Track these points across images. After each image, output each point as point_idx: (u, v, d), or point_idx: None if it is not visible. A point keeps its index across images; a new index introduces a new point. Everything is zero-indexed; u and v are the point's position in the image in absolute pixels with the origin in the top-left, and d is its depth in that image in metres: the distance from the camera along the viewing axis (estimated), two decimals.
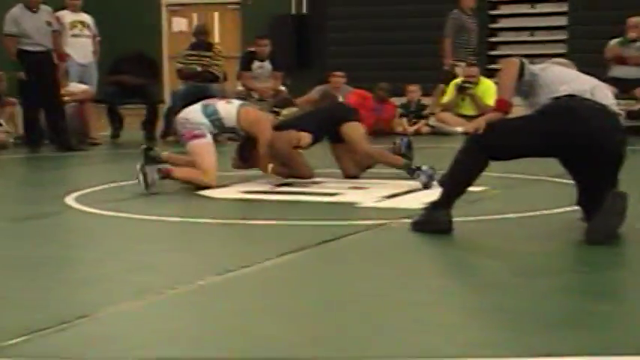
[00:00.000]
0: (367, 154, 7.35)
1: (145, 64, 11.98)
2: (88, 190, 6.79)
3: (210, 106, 7.20)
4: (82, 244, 5.13)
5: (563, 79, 4.90)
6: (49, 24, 10.30)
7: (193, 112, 7.15)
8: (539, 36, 16.43)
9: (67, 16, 11.69)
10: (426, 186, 6.74)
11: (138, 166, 6.77)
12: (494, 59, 14.89)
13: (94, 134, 11.13)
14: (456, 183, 4.92)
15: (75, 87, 11.17)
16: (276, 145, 7.10)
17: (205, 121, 7.06)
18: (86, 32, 11.89)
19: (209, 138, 7.04)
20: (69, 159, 9.65)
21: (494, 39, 16.62)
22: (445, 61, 12.07)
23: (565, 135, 4.74)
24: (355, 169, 7.44)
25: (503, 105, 4.87)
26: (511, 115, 4.94)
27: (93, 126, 11.19)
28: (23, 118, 10.49)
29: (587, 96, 4.80)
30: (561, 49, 16.08)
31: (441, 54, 12.49)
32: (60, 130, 10.28)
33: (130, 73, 11.79)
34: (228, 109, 7.18)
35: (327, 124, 7.37)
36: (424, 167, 6.88)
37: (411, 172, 6.96)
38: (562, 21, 16.33)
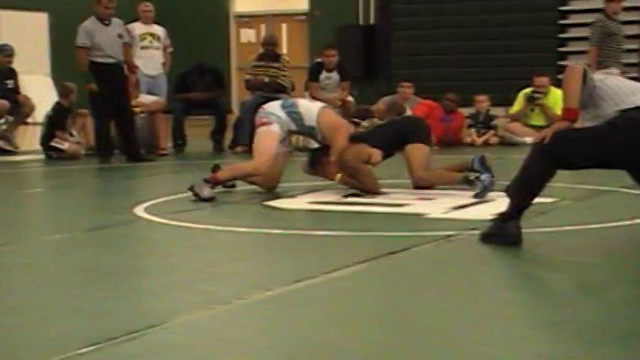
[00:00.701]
0: (419, 179, 7.20)
1: (208, 75, 12.06)
2: (157, 201, 6.86)
3: (289, 99, 7.37)
4: (151, 253, 5.19)
5: (628, 90, 4.82)
6: (120, 36, 10.45)
7: (272, 104, 7.33)
8: None
9: (138, 28, 11.85)
10: (478, 195, 6.66)
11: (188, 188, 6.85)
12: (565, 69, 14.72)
13: (163, 145, 11.25)
14: (523, 193, 4.87)
15: (145, 98, 11.31)
16: (346, 157, 7.09)
17: (281, 113, 7.13)
18: (155, 44, 12.03)
19: (275, 127, 7.06)
20: (138, 169, 9.77)
21: (564, 49, 16.46)
22: (591, 69, 11.62)
23: (633, 147, 4.66)
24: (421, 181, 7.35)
25: (570, 114, 4.81)
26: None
27: (163, 137, 11.31)
28: (94, 129, 10.65)
29: None
30: (633, 58, 15.85)
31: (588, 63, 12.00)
32: (130, 140, 10.43)
33: (195, 87, 11.89)
34: (308, 106, 7.27)
35: (397, 141, 7.32)
36: (483, 176, 6.78)
37: (470, 184, 6.89)
38: (634, 30, 16.09)
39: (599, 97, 4.81)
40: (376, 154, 7.17)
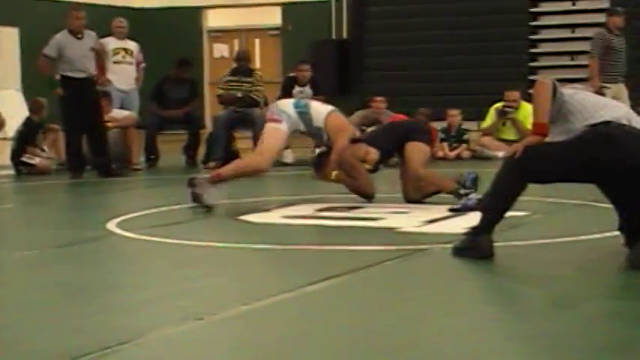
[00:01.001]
0: (417, 174, 7.24)
1: (184, 84, 12.04)
2: (130, 216, 6.83)
3: (303, 100, 7.63)
4: (123, 269, 5.16)
5: (597, 105, 4.86)
6: (92, 50, 10.41)
7: (285, 101, 7.55)
8: (580, 60, 16.34)
9: (111, 43, 11.82)
10: (454, 210, 6.69)
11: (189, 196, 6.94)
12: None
13: (135, 160, 11.21)
14: (495, 207, 4.89)
15: (118, 113, 11.27)
16: (344, 155, 7.18)
17: (292, 111, 7.27)
18: (128, 59, 12.01)
19: (284, 126, 7.18)
20: (110, 185, 9.73)
21: (534, 64, 16.59)
22: (592, 82, 11.57)
23: (605, 162, 4.70)
24: (416, 193, 7.35)
25: (540, 128, 4.83)
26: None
27: (135, 152, 11.27)
28: (65, 144, 10.59)
29: (624, 122, 4.76)
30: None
31: (589, 75, 11.98)
32: (101, 155, 10.38)
33: (170, 96, 11.86)
34: (319, 108, 7.44)
35: (398, 142, 7.39)
36: (472, 196, 6.81)
37: (459, 198, 6.91)
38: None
39: (568, 111, 4.84)
40: (372, 152, 7.25)
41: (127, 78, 11.90)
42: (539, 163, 4.77)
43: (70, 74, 10.15)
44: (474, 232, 4.91)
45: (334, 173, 7.25)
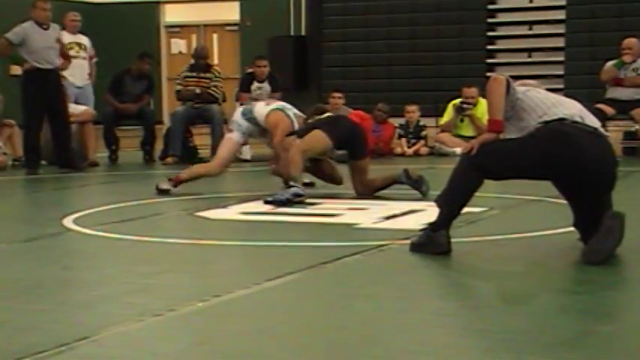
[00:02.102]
0: (372, 185, 7.55)
1: (142, 79, 11.96)
2: (86, 212, 6.78)
3: (249, 106, 8.06)
4: (80, 266, 5.13)
5: (550, 102, 4.90)
6: (57, 41, 10.32)
7: (236, 112, 8.07)
8: (537, 57, 16.49)
9: (64, 38, 11.72)
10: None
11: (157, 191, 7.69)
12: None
13: (92, 156, 11.13)
14: (452, 203, 4.93)
15: (75, 108, 11.18)
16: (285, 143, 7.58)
17: (241, 120, 7.90)
18: (82, 54, 11.89)
19: (235, 135, 7.92)
20: (67, 181, 9.65)
21: (492, 60, 16.70)
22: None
23: (560, 159, 4.75)
24: (365, 189, 7.50)
25: (495, 125, 4.87)
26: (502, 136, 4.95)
27: (92, 147, 11.19)
28: (23, 139, 10.47)
29: (577, 119, 4.81)
30: (559, 70, 16.14)
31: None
32: (65, 147, 10.29)
33: (127, 90, 11.78)
34: (261, 109, 7.91)
35: (344, 143, 7.46)
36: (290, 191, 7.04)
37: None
38: (560, 42, 16.40)
39: (521, 109, 4.88)
40: (289, 139, 7.54)
41: (82, 73, 11.80)
42: (494, 160, 4.80)
43: (35, 65, 10.03)
44: (432, 227, 4.94)
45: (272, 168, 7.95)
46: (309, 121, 7.67)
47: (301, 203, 6.91)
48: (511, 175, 4.98)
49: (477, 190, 4.87)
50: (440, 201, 4.97)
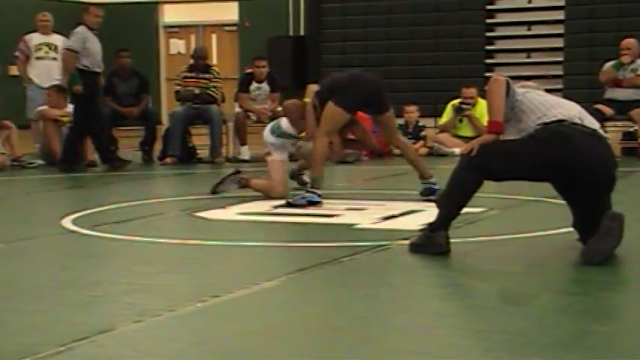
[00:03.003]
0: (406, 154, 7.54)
1: (133, 79, 11.93)
2: (85, 213, 6.78)
3: (275, 124, 7.67)
4: (79, 266, 5.12)
5: (549, 104, 4.90)
6: None
7: (266, 132, 7.69)
8: (536, 58, 16.50)
9: (35, 39, 11.66)
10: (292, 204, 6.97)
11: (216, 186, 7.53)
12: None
13: (90, 156, 11.12)
14: (451, 203, 4.93)
15: (71, 108, 11.18)
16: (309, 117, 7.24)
17: (273, 139, 7.54)
18: (52, 54, 11.74)
19: (277, 155, 7.53)
20: (67, 181, 9.64)
21: (490, 60, 16.71)
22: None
23: (558, 161, 4.75)
24: (400, 149, 7.66)
25: (495, 126, 4.86)
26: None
27: (89, 147, 11.19)
28: (95, 142, 10.57)
29: (577, 121, 4.81)
30: (558, 70, 16.15)
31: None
32: (107, 148, 10.59)
33: (120, 91, 11.76)
34: (286, 122, 7.53)
35: (361, 105, 7.29)
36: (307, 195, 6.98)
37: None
38: (559, 43, 16.40)
39: (520, 110, 4.88)
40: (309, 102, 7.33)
41: (49, 74, 11.61)
42: (494, 161, 4.80)
43: (90, 67, 10.28)
44: (431, 228, 4.94)
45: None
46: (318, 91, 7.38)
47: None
48: (511, 177, 4.98)
49: (476, 191, 4.87)
50: (439, 201, 4.97)
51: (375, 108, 7.26)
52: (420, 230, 5.07)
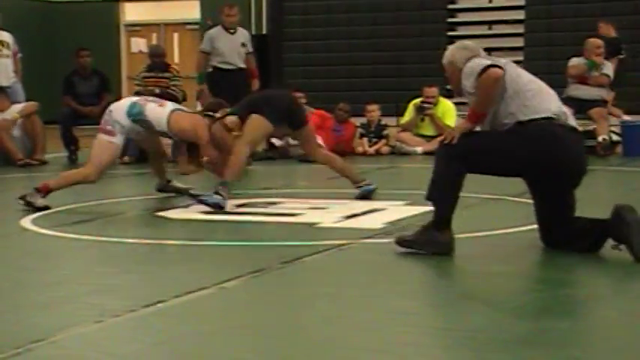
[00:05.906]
0: (331, 165, 7.44)
1: (94, 77, 11.85)
2: (45, 212, 6.71)
3: (137, 105, 7.07)
4: (38, 266, 5.07)
5: (540, 94, 4.82)
6: (243, 45, 11.02)
7: (119, 109, 7.07)
8: (496, 56, 16.58)
9: None
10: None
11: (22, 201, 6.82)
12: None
13: (40, 154, 11.06)
14: (446, 199, 4.84)
15: (15, 106, 11.13)
16: (216, 136, 7.04)
17: (126, 121, 6.99)
18: (5, 52, 11.60)
19: (117, 139, 7.00)
20: (26, 180, 9.54)
21: None
22: None
23: (545, 160, 4.74)
24: (323, 161, 7.51)
25: (477, 118, 4.79)
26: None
27: (41, 144, 11.11)
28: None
29: (563, 118, 4.82)
30: (519, 42, 16.27)
31: None
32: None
33: (80, 90, 11.68)
34: (157, 112, 7.04)
35: (283, 118, 7.14)
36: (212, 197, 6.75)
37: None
38: (519, 42, 16.53)
39: (508, 96, 4.78)
40: (230, 119, 7.03)
41: (7, 72, 11.47)
42: (480, 154, 4.75)
43: (219, 65, 10.86)
44: (436, 227, 4.84)
45: (205, 159, 7.12)
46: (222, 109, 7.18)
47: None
48: (490, 172, 4.95)
49: (464, 178, 4.82)
50: (432, 196, 4.88)
51: (294, 123, 7.23)
52: (421, 227, 4.92)
